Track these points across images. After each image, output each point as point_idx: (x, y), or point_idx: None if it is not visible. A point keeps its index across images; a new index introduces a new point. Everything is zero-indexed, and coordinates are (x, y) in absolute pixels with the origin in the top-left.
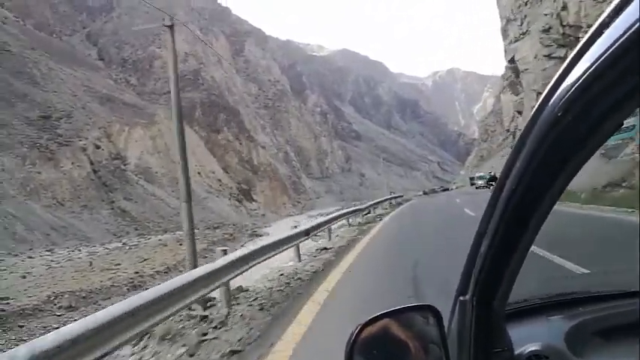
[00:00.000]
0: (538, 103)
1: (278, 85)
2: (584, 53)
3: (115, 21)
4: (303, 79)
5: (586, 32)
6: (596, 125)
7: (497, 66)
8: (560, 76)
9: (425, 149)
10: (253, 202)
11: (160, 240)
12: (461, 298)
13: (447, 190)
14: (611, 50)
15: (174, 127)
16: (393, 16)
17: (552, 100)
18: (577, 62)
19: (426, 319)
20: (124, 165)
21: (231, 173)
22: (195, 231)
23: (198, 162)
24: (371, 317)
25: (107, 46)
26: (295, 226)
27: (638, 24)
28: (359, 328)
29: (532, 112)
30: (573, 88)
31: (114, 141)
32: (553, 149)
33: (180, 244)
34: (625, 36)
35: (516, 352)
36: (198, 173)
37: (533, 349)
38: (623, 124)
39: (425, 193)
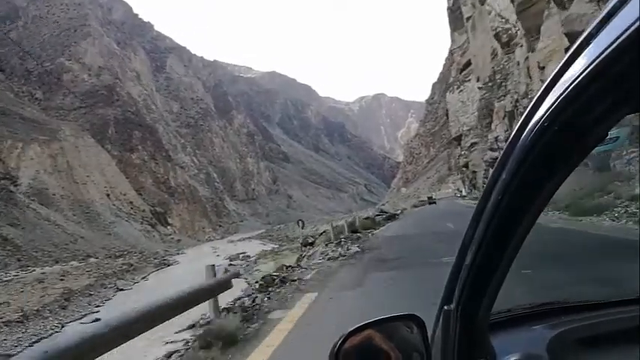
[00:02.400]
0: (524, 114)
1: (201, 104)
2: (571, 65)
3: (20, 30)
4: (229, 99)
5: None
6: (582, 136)
7: (420, 92)
8: (546, 86)
9: (352, 172)
10: (168, 227)
11: (42, 273)
12: (445, 307)
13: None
14: (596, 62)
15: None
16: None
17: (538, 111)
18: (563, 74)
19: (410, 328)
20: (15, 186)
21: (144, 195)
22: (93, 260)
23: (108, 183)
24: (355, 327)
25: (9, 57)
26: (215, 253)
27: (621, 39)
28: (343, 337)
29: (518, 123)
30: (559, 99)
31: (3, 159)
32: (538, 160)
33: (63, 279)
34: (610, 49)
35: None
36: (107, 195)
37: (515, 358)
38: (607, 135)
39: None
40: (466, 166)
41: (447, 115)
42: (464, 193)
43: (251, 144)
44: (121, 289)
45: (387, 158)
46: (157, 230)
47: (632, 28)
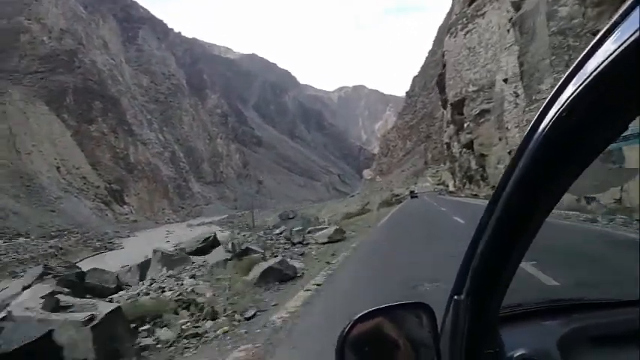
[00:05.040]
0: (542, 107)
1: (173, 80)
2: (589, 59)
3: None
4: (205, 77)
5: None
6: (599, 131)
7: (399, 87)
8: (564, 81)
9: (327, 160)
10: (124, 206)
11: None
12: (455, 297)
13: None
14: (614, 56)
15: None
16: (306, 29)
17: (555, 105)
18: (581, 68)
19: (419, 317)
20: None
21: (101, 170)
22: (22, 241)
23: (59, 155)
24: (363, 313)
25: None
26: (167, 237)
27: (637, 34)
28: (351, 324)
29: (534, 118)
30: (576, 93)
31: None
32: (555, 152)
33: None
34: (628, 43)
35: (507, 354)
36: (57, 168)
37: (524, 352)
38: (627, 131)
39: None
40: (470, 146)
41: (439, 74)
42: (451, 188)
43: (223, 125)
44: None
45: (363, 149)
46: (112, 209)
47: None
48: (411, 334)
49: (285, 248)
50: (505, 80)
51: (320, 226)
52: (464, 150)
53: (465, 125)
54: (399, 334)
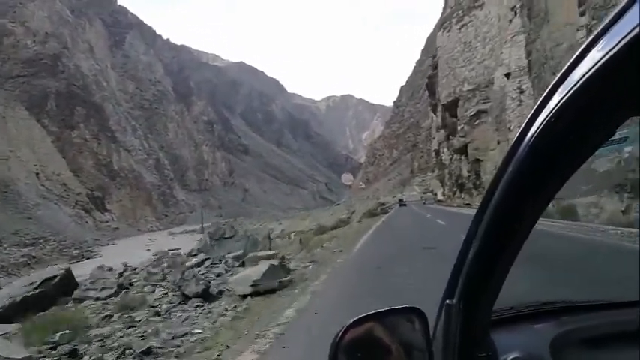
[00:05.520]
0: (532, 110)
1: (159, 86)
2: (577, 66)
3: None
4: (191, 84)
5: None
6: (586, 136)
7: (387, 97)
8: (552, 87)
9: (313, 169)
10: (105, 213)
11: None
12: (447, 301)
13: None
14: (600, 64)
15: None
16: (294, 38)
17: (544, 111)
18: (569, 74)
19: (412, 322)
20: None
21: (82, 177)
22: None
23: (39, 161)
24: (356, 319)
25: None
26: (147, 246)
27: (624, 41)
28: (343, 329)
29: (523, 123)
30: (565, 99)
31: None
32: (544, 156)
33: None
34: (613, 51)
35: (500, 358)
36: (36, 174)
37: (516, 355)
38: (614, 135)
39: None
40: (463, 151)
41: (429, 77)
42: (439, 197)
43: (209, 132)
44: None
45: (349, 158)
46: (92, 216)
47: (634, 32)
48: (404, 339)
49: (161, 315)
50: (507, 75)
51: (264, 252)
52: (455, 156)
53: (459, 128)
54: (391, 339)
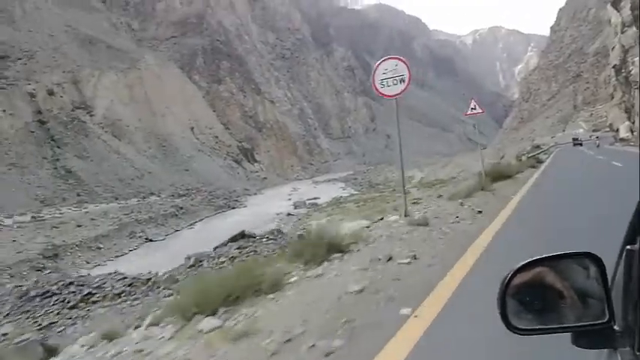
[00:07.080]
0: None
1: (297, 35)
2: None
3: None
4: (330, 30)
5: None
6: None
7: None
8: None
9: (460, 110)
10: (255, 164)
11: (86, 212)
12: (628, 247)
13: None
14: None
15: None
16: None
17: None
18: None
19: (586, 268)
20: (90, 116)
21: (232, 130)
22: (154, 199)
23: (192, 116)
24: (525, 262)
25: None
26: (290, 196)
27: None
28: (511, 273)
29: None
30: None
31: (81, 88)
32: None
33: (93, 221)
34: None
35: None
36: (191, 129)
37: None
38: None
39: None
40: None
41: None
42: (623, 134)
43: (350, 78)
44: (151, 240)
45: (500, 97)
46: (243, 167)
47: None
48: (577, 285)
49: None
50: None
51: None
52: None
53: None
54: (563, 285)
